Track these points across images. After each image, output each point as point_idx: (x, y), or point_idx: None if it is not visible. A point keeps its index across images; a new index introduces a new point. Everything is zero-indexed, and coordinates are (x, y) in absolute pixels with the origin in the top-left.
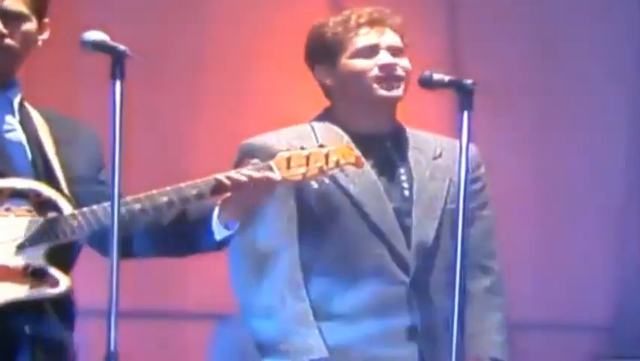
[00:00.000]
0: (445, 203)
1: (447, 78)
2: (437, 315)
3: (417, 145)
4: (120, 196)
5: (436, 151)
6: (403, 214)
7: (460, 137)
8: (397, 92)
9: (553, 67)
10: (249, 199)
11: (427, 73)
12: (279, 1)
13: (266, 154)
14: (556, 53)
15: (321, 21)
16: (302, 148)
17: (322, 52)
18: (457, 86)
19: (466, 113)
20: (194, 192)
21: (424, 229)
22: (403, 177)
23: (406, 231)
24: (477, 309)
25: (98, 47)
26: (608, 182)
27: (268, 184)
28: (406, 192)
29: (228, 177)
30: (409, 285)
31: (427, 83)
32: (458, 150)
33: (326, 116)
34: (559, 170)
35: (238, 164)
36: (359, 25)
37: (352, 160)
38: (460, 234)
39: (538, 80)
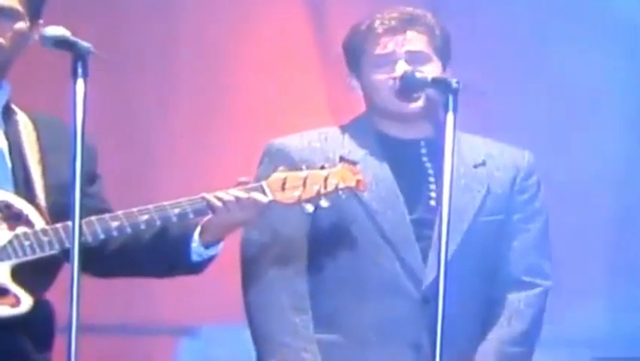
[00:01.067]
0: (477, 215)
1: (430, 77)
2: (447, 336)
3: (459, 152)
4: (96, 208)
5: (479, 158)
6: (424, 226)
7: (444, 139)
8: (416, 104)
9: (544, 67)
10: (234, 220)
11: (408, 72)
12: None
13: (282, 156)
14: (548, 54)
15: (354, 25)
16: (300, 169)
17: (350, 60)
18: (441, 85)
19: (451, 115)
20: (177, 211)
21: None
22: (432, 186)
23: (425, 244)
24: (504, 317)
25: (59, 43)
26: (604, 191)
27: (255, 207)
28: (432, 202)
29: (216, 198)
30: (421, 301)
31: (409, 83)
32: (511, 157)
33: (361, 119)
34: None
35: (259, 164)
36: (379, 35)
37: (352, 184)
38: (445, 241)
39: (529, 80)
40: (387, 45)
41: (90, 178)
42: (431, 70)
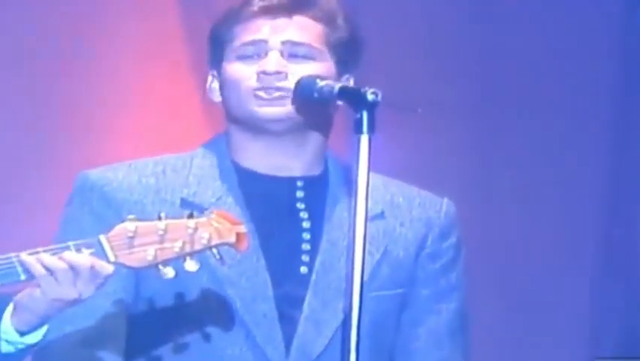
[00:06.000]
0: (366, 289)
1: (338, 86)
2: None
3: (349, 198)
4: None
5: (376, 208)
6: (291, 301)
7: (355, 170)
8: (275, 109)
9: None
10: (67, 295)
11: (306, 78)
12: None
13: (99, 195)
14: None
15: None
16: (159, 218)
17: (213, 50)
18: (352, 97)
19: (365, 138)
20: None
21: (318, 325)
22: (306, 246)
23: (290, 327)
24: None
25: None
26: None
27: (99, 277)
28: (303, 269)
29: (40, 262)
30: None
31: (307, 93)
32: (423, 207)
33: (217, 142)
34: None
35: (66, 204)
36: (254, 14)
37: (231, 239)
38: (356, 315)
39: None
40: (261, 29)
41: None
42: (313, 72)
